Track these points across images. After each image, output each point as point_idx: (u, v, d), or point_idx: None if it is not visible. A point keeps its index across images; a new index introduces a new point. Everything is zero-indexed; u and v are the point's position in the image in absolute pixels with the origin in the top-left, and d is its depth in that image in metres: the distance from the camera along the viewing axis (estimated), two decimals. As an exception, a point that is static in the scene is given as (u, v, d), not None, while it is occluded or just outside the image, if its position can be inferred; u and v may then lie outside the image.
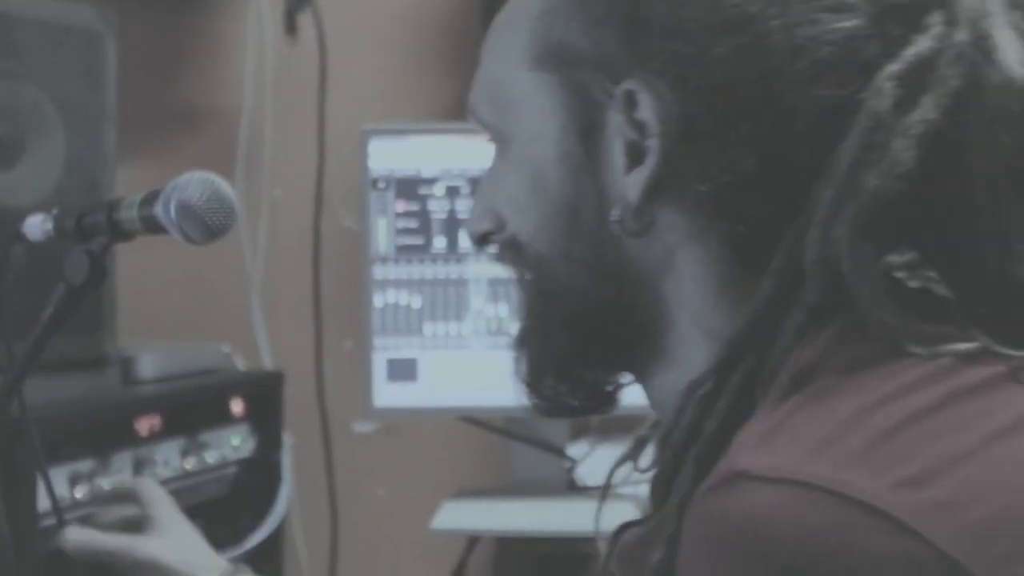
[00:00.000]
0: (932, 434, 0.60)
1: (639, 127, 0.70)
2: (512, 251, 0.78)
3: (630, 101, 0.70)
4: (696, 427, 0.67)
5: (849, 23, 0.66)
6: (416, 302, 1.86)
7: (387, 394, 1.87)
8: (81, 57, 1.73)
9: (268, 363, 2.15)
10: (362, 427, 2.22)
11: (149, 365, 1.75)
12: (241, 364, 1.99)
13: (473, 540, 1.93)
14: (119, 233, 1.08)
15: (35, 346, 1.15)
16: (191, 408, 1.78)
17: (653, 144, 0.69)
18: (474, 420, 1.94)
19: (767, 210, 0.67)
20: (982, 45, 0.64)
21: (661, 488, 0.68)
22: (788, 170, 0.66)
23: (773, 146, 0.66)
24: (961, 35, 0.64)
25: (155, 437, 1.69)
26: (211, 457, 1.79)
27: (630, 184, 0.71)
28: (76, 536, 1.15)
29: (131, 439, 1.66)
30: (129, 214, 1.06)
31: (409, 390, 1.86)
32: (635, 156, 0.71)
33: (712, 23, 0.67)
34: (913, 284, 0.64)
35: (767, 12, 0.66)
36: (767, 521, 0.58)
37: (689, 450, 0.66)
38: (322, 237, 2.19)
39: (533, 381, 0.79)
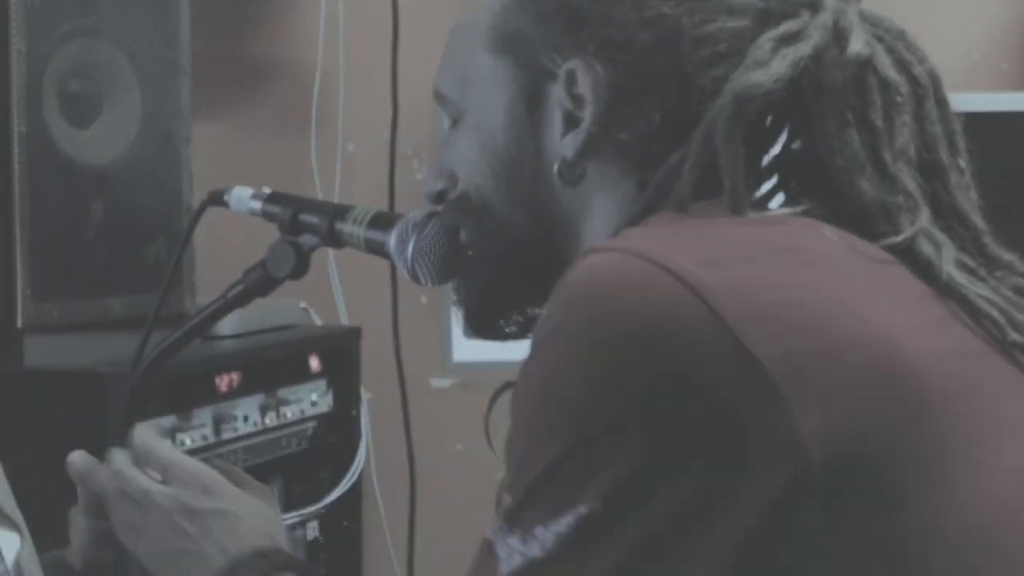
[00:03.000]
0: (737, 242, 0.79)
1: (576, 100, 0.89)
2: (461, 203, 0.96)
3: (571, 79, 0.89)
4: None
5: (739, 23, 0.87)
6: (493, 256, 1.84)
7: (466, 348, 1.85)
8: (155, 13, 1.73)
9: (344, 319, 2.15)
10: (439, 382, 2.21)
11: (228, 322, 1.75)
12: (318, 320, 1.99)
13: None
14: (333, 239, 1.08)
15: (209, 318, 1.14)
16: (269, 364, 1.79)
17: (587, 113, 0.89)
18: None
19: (664, 156, 0.86)
20: (839, 29, 0.85)
21: None
22: (683, 127, 0.86)
23: (676, 115, 0.87)
24: (825, 18, 0.86)
25: (235, 393, 1.70)
26: (290, 413, 1.80)
27: (566, 144, 0.90)
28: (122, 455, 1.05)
29: (211, 395, 1.67)
30: (354, 230, 1.06)
31: (488, 344, 1.85)
32: (571, 122, 0.90)
33: (637, 18, 0.87)
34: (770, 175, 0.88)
35: (678, 11, 0.87)
36: (591, 270, 0.77)
37: None
38: (397, 191, 2.17)
39: (473, 307, 0.98)
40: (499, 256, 0.94)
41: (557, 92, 0.90)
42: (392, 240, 1.03)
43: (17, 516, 1.13)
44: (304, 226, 1.09)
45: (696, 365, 0.74)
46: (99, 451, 1.15)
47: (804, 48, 0.85)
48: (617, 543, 0.74)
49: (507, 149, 0.92)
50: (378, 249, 1.05)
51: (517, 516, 0.76)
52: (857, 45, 0.85)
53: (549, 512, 0.74)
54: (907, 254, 0.83)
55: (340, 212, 1.08)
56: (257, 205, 1.12)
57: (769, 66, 0.84)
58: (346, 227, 1.07)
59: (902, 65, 0.87)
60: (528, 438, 0.77)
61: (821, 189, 0.86)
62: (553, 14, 0.90)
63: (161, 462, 1.07)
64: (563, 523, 0.74)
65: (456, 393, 2.21)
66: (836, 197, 0.85)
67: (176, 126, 1.75)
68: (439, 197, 0.98)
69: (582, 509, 0.74)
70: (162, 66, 1.73)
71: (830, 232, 0.83)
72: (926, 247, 0.83)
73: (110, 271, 1.64)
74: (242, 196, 1.13)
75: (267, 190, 1.13)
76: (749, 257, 0.78)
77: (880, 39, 0.87)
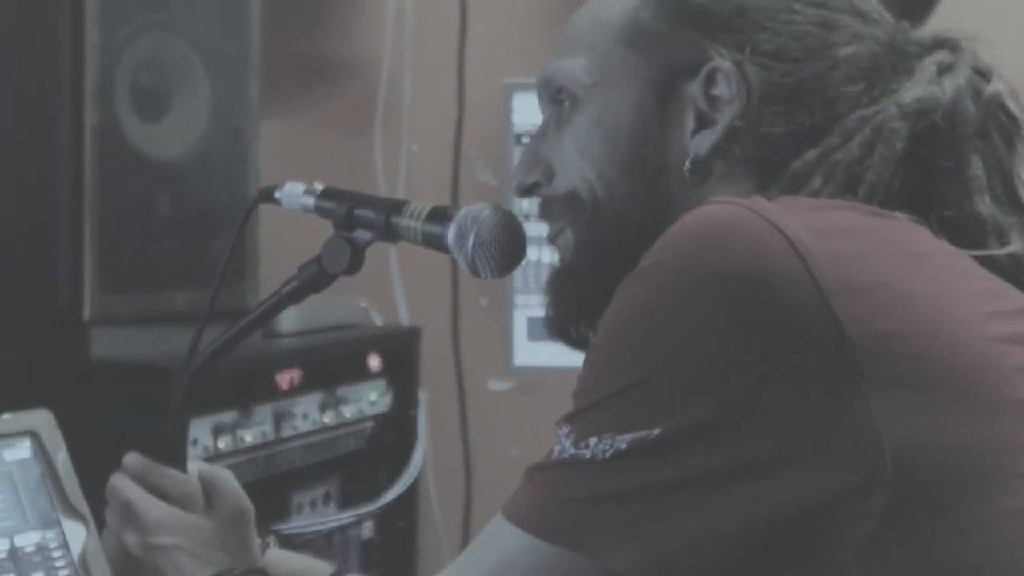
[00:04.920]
0: (851, 222, 0.82)
1: (711, 100, 0.91)
2: (566, 195, 0.95)
3: (711, 79, 0.91)
4: None
5: (872, 48, 0.92)
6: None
7: (527, 352, 1.85)
8: (227, 10, 1.74)
9: (405, 319, 2.15)
10: (497, 385, 2.21)
11: (289, 319, 1.76)
12: (378, 319, 2.00)
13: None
14: (389, 234, 1.07)
15: (263, 316, 1.13)
16: (330, 362, 1.79)
17: (724, 113, 0.90)
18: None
19: (787, 159, 0.89)
20: (978, 68, 0.92)
21: None
22: (807, 139, 0.89)
23: (813, 118, 0.90)
24: (968, 57, 0.93)
25: (295, 391, 1.71)
26: (348, 412, 1.80)
27: (699, 142, 0.91)
28: (136, 462, 1.12)
29: (272, 392, 1.67)
30: (411, 224, 1.05)
31: (550, 349, 1.83)
32: (702, 122, 0.91)
33: (786, 31, 0.91)
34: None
35: (820, 31, 0.91)
36: (703, 214, 0.80)
37: None
38: (460, 192, 2.17)
39: (566, 303, 0.96)
40: (607, 248, 0.93)
41: (692, 90, 0.92)
42: (451, 233, 1.02)
43: (83, 507, 1.14)
44: (359, 221, 1.08)
45: (788, 324, 0.75)
46: (161, 443, 1.16)
47: (960, 78, 0.91)
48: (663, 476, 0.76)
49: (632, 142, 0.93)
50: (436, 243, 1.03)
51: (578, 421, 0.79)
52: (999, 84, 0.91)
53: (613, 426, 0.78)
54: (1011, 272, 0.87)
55: (396, 206, 1.07)
56: (310, 201, 1.11)
57: (942, 84, 0.90)
58: (403, 221, 1.05)
59: (1020, 107, 0.93)
60: (612, 354, 0.79)
61: (933, 211, 0.89)
62: (697, 16, 0.92)
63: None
64: (623, 440, 0.77)
65: (514, 397, 2.20)
66: (950, 216, 0.88)
67: (244, 122, 1.76)
68: (530, 190, 0.97)
69: (644, 434, 0.76)
70: (232, 62, 1.74)
71: (931, 236, 0.86)
72: None
73: (176, 265, 1.65)
74: (294, 192, 1.12)
75: (319, 186, 1.12)
76: (858, 236, 0.80)
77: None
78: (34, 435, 1.15)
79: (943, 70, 0.91)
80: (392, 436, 1.89)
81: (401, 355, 1.92)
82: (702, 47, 0.91)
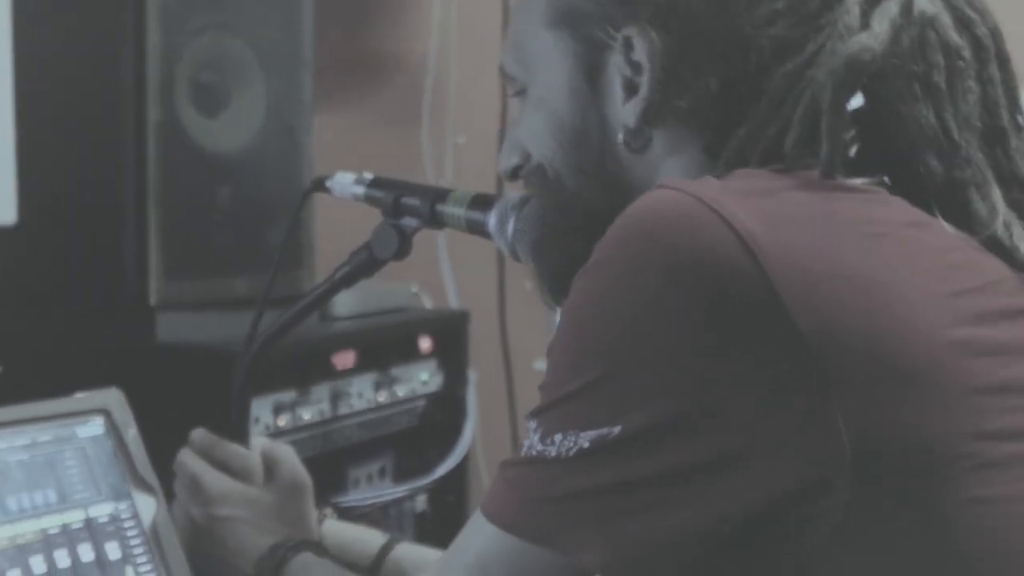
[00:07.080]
0: (806, 207, 0.77)
1: (634, 66, 0.88)
2: (536, 176, 0.94)
3: (627, 46, 0.88)
4: None
5: None
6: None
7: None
8: (281, 10, 1.79)
9: (454, 302, 2.20)
10: (542, 365, 2.25)
11: (344, 303, 1.81)
12: (428, 303, 2.05)
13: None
14: (434, 221, 1.11)
15: (317, 300, 1.17)
16: (383, 345, 1.84)
17: (645, 78, 0.87)
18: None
19: (728, 119, 0.85)
20: None
21: None
22: (744, 89, 0.85)
23: (734, 72, 0.85)
24: None
25: (350, 371, 1.76)
26: (401, 391, 1.85)
27: (628, 112, 0.89)
28: (204, 437, 1.18)
29: (329, 372, 1.72)
30: (455, 211, 1.09)
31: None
32: (631, 89, 0.88)
33: None
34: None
35: None
36: (648, 202, 0.77)
37: None
38: (505, 182, 2.21)
39: (557, 283, 0.94)
40: (574, 231, 0.92)
41: (616, 61, 0.89)
42: (492, 220, 1.05)
43: (153, 480, 1.18)
44: (406, 209, 1.12)
45: (738, 321, 0.73)
46: (224, 422, 1.22)
47: (892, 7, 0.83)
48: (625, 474, 0.75)
49: (572, 121, 0.91)
50: (478, 229, 1.07)
51: (544, 416, 0.79)
52: (923, 2, 0.83)
53: (575, 424, 0.76)
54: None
55: (441, 194, 1.11)
56: (360, 190, 1.15)
57: (871, 30, 0.82)
58: (447, 208, 1.10)
59: (964, 25, 0.84)
60: (570, 350, 0.78)
61: (888, 160, 0.84)
62: None
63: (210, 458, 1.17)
64: (586, 437, 0.76)
65: (560, 376, 2.24)
66: (904, 170, 0.84)
67: (298, 117, 1.80)
68: (514, 173, 0.98)
69: (605, 431, 0.75)
70: (286, 60, 1.78)
71: (900, 207, 0.81)
72: (1001, 233, 0.82)
73: (236, 253, 1.70)
74: (344, 182, 1.16)
75: (368, 175, 1.16)
76: (812, 224, 0.76)
77: None
78: (106, 413, 1.19)
79: (870, 3, 0.83)
80: (443, 414, 1.93)
81: (451, 337, 1.95)
82: (615, 15, 0.88)
